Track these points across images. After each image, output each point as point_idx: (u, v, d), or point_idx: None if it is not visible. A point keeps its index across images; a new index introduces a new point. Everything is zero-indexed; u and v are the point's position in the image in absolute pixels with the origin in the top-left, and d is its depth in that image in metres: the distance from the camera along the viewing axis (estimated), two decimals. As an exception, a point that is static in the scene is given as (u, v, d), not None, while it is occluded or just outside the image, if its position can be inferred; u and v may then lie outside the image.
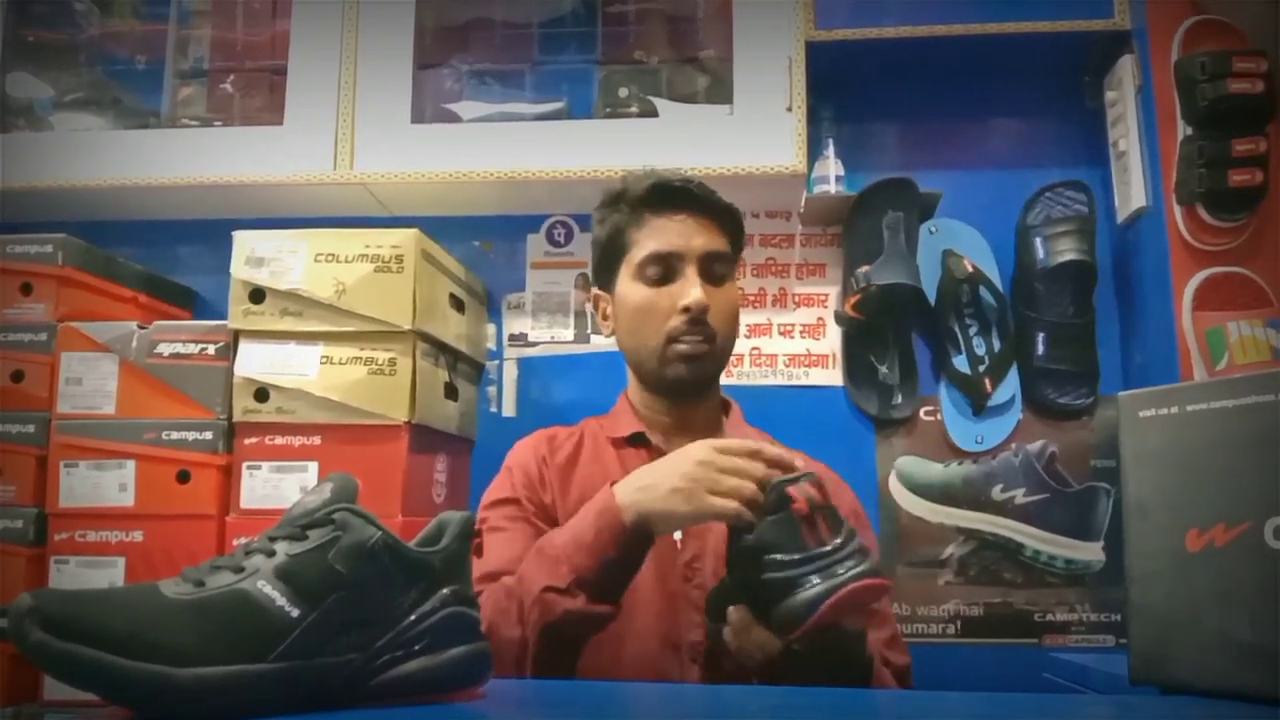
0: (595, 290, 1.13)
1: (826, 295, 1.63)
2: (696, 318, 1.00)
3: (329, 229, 1.27)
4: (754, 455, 0.81)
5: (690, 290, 1.00)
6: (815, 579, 0.69)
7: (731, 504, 0.77)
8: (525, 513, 1.01)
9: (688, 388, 1.04)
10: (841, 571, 0.69)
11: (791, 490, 0.72)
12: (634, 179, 1.07)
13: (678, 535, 0.98)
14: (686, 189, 1.04)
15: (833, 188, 1.54)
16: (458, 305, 1.42)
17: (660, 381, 1.05)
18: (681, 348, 1.01)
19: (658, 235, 1.03)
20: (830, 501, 0.74)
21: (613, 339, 1.11)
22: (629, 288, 1.05)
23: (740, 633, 0.78)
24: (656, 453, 1.02)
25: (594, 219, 1.10)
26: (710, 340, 1.02)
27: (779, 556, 0.71)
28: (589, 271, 1.69)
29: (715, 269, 1.04)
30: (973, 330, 1.55)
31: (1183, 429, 0.70)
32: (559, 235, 1.67)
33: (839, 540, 0.71)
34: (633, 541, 0.82)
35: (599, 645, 0.90)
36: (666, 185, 1.04)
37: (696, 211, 1.04)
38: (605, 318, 1.11)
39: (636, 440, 1.07)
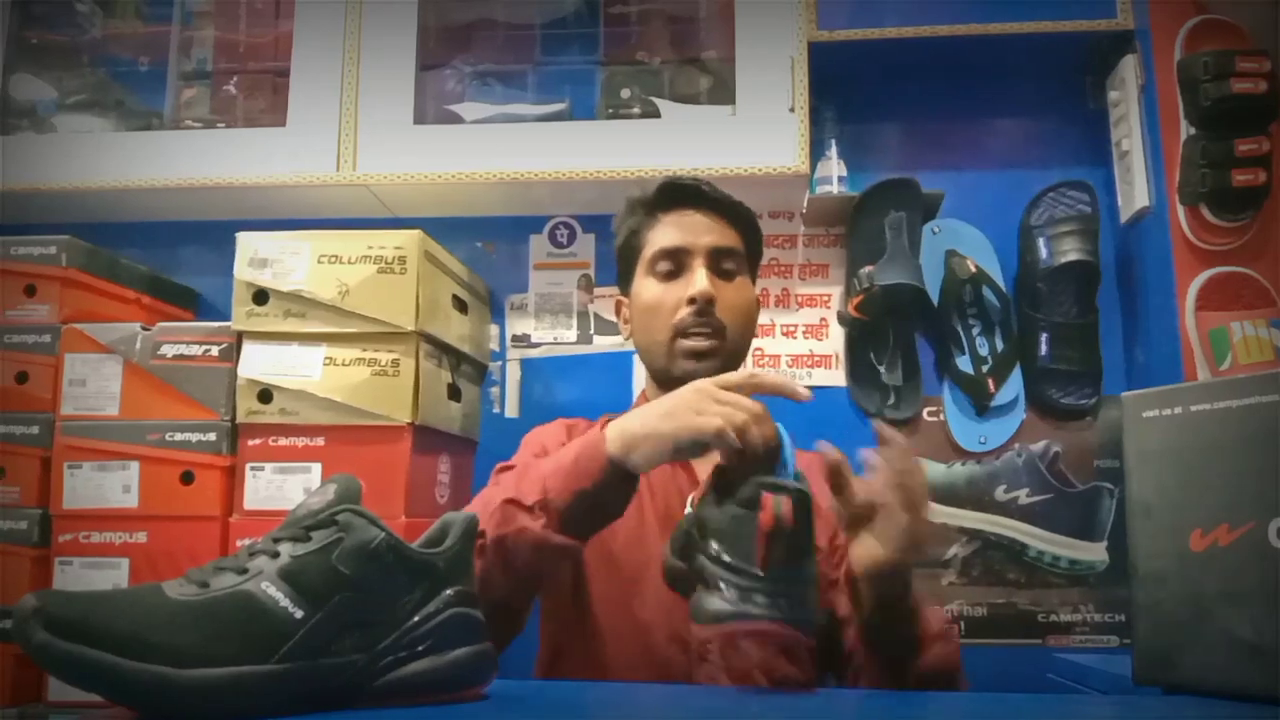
0: (618, 296, 1.14)
1: (829, 296, 1.63)
2: (702, 309, 1.00)
3: (332, 230, 1.27)
4: (750, 380, 0.79)
5: (696, 281, 1.01)
6: (732, 595, 0.64)
7: (714, 421, 0.73)
8: None
9: None
10: (753, 605, 0.64)
11: (767, 497, 0.66)
12: (648, 183, 1.09)
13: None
14: (695, 187, 1.06)
15: (835, 188, 1.54)
16: (460, 306, 1.42)
17: (670, 378, 1.04)
18: (688, 343, 1.01)
19: (667, 232, 1.05)
20: (809, 528, 0.67)
21: (619, 340, 1.11)
22: (642, 285, 1.07)
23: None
24: None
25: (613, 227, 1.12)
26: (719, 335, 1.02)
27: (717, 548, 0.67)
28: (590, 272, 1.72)
29: (724, 265, 1.05)
30: (976, 330, 1.55)
31: (1186, 429, 0.70)
32: (562, 236, 1.67)
33: (784, 571, 0.65)
34: (612, 473, 0.79)
35: (606, 642, 0.90)
36: (676, 184, 1.07)
37: (706, 209, 1.06)
38: (625, 321, 1.12)
39: None
